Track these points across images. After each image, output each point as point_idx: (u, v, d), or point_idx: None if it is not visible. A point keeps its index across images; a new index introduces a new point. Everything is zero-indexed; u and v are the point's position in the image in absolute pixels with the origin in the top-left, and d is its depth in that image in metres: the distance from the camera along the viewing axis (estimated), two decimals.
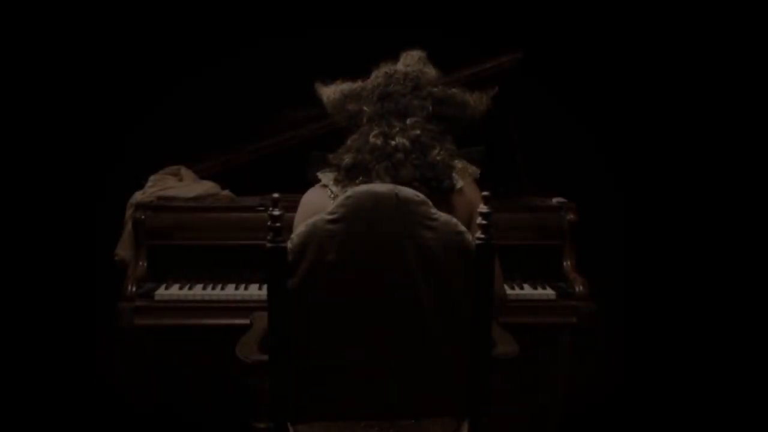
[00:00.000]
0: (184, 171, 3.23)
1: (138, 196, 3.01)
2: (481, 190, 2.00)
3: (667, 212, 3.92)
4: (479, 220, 1.85)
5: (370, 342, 1.87)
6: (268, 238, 1.84)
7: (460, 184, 2.09)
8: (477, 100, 2.18)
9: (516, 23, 3.75)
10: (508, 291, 2.79)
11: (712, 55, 3.87)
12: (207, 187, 3.14)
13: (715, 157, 3.90)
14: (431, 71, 2.20)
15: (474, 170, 2.19)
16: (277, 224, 1.83)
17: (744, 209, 3.89)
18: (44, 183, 3.81)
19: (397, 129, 2.03)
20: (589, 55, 3.82)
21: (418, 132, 2.02)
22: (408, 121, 2.05)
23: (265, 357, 1.92)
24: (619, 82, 3.87)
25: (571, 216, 2.90)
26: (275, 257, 1.83)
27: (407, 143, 2.00)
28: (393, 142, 2.00)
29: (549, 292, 2.80)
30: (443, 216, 1.84)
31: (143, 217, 2.87)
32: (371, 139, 2.02)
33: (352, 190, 1.84)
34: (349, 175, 2.02)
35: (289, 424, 1.97)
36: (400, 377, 1.90)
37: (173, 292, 2.79)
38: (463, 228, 1.85)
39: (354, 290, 1.84)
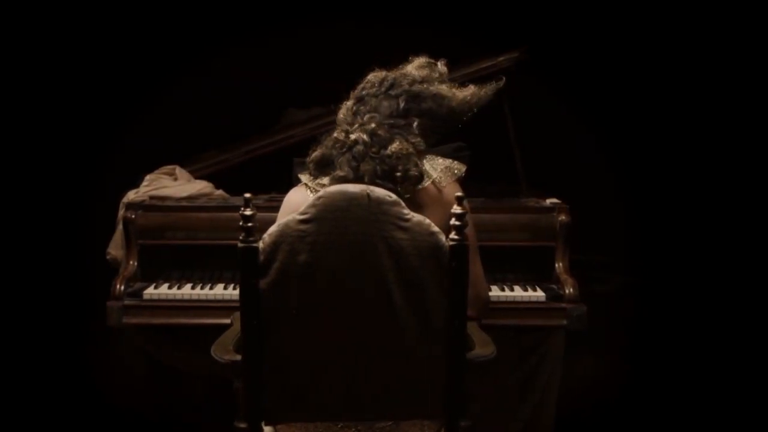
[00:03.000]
0: (178, 171, 3.24)
1: (130, 195, 3.02)
2: (465, 187, 2.00)
3: (664, 214, 3.89)
4: (452, 220, 1.83)
5: (343, 344, 1.87)
6: (240, 237, 1.84)
7: (434, 176, 2.08)
8: (460, 93, 2.17)
9: (514, 23, 3.73)
10: (498, 293, 2.78)
11: (713, 55, 3.82)
12: (200, 186, 3.14)
13: (715, 155, 3.86)
14: (421, 72, 2.19)
15: (459, 167, 2.18)
16: (249, 224, 1.83)
17: (745, 211, 3.83)
18: (41, 182, 3.82)
19: (356, 126, 2.07)
20: (589, 55, 3.79)
21: (373, 126, 2.05)
22: (365, 117, 2.08)
23: (239, 357, 1.92)
24: (619, 81, 3.83)
25: (563, 217, 2.87)
26: (247, 257, 1.83)
27: (365, 137, 2.02)
28: (352, 136, 2.03)
29: (539, 294, 2.78)
30: (416, 216, 1.83)
31: (134, 216, 2.87)
32: (334, 134, 2.08)
33: (323, 191, 1.84)
34: (318, 168, 2.08)
35: (270, 424, 1.98)
36: (373, 379, 1.89)
37: (162, 291, 2.79)
38: (436, 229, 1.83)
39: (326, 291, 1.83)
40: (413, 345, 1.86)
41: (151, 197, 3.02)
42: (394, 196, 1.83)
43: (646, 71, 3.87)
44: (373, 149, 2.00)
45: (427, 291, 1.84)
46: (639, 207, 3.87)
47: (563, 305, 2.74)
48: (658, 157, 3.92)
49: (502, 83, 2.25)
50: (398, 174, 1.99)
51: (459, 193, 1.85)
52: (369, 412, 1.94)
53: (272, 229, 1.84)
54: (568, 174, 3.67)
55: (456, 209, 1.84)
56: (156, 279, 2.89)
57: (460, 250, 1.83)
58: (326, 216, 1.81)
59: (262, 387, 1.89)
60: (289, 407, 1.93)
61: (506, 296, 2.77)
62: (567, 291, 2.75)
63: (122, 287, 2.77)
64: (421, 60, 2.23)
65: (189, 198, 3.05)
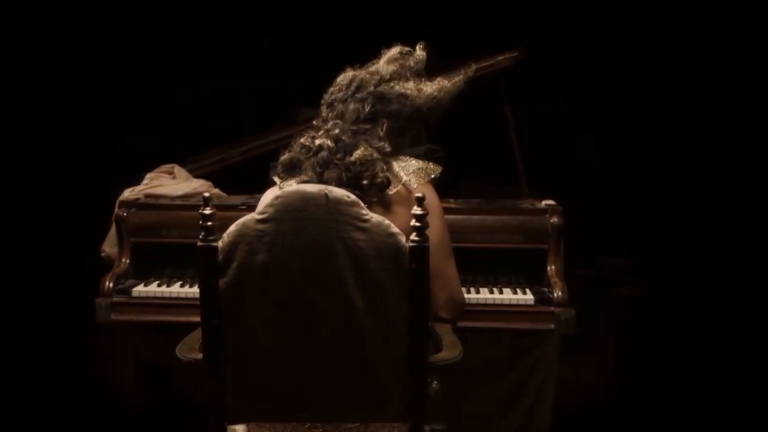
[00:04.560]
0: (177, 169, 3.25)
1: (126, 193, 3.04)
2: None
3: (666, 217, 3.81)
4: (412, 222, 1.81)
5: (302, 344, 1.86)
6: (200, 236, 1.84)
7: (404, 179, 2.06)
8: (427, 89, 2.12)
9: (513, 22, 3.70)
10: (486, 295, 2.74)
11: (711, 55, 3.74)
12: (197, 185, 3.14)
13: (714, 153, 3.78)
14: (390, 68, 2.15)
15: (433, 169, 2.16)
16: (209, 223, 1.84)
17: (745, 213, 3.75)
18: (42, 180, 3.88)
19: (321, 131, 2.07)
20: (589, 55, 3.74)
21: (337, 131, 2.04)
22: (330, 124, 2.07)
23: (200, 356, 1.92)
24: (619, 81, 3.77)
25: (555, 219, 2.82)
26: (206, 256, 1.83)
27: (329, 142, 2.02)
28: (317, 142, 2.03)
29: (528, 297, 2.73)
30: (375, 217, 1.81)
31: (126, 214, 2.89)
32: (301, 140, 2.08)
33: (282, 191, 1.84)
34: (286, 171, 2.08)
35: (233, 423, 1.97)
36: (333, 381, 1.88)
37: (151, 289, 2.80)
38: (395, 230, 1.81)
39: (285, 291, 1.83)
40: (373, 346, 1.85)
41: (146, 195, 3.03)
42: (352, 197, 1.81)
43: (648, 68, 3.81)
44: (338, 156, 2.00)
45: (386, 292, 1.82)
46: (642, 209, 3.81)
47: (552, 309, 2.69)
48: (656, 158, 3.86)
49: (471, 71, 2.21)
50: (365, 182, 1.97)
51: (419, 194, 1.82)
52: (330, 413, 1.93)
53: (231, 228, 1.84)
54: (576, 177, 3.63)
55: (416, 210, 1.81)
56: (148, 277, 2.90)
57: (420, 251, 1.81)
58: (284, 216, 1.80)
59: (224, 386, 1.89)
60: (250, 407, 1.93)
61: (494, 299, 2.73)
62: (556, 294, 2.70)
63: (111, 284, 2.79)
64: (392, 52, 2.17)
65: (184, 197, 3.06)
